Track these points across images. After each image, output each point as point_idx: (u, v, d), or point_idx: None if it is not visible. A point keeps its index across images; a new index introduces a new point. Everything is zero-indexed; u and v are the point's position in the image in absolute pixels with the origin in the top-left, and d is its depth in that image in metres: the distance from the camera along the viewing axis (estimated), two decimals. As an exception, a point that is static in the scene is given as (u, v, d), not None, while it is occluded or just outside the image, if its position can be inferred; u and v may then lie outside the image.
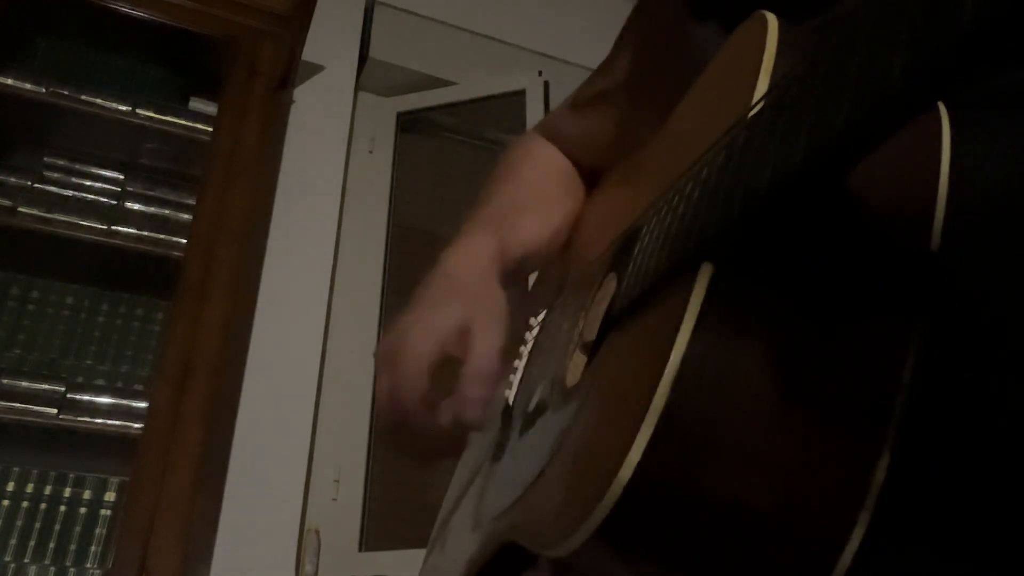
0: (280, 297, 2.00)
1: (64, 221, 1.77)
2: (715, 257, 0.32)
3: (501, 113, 2.46)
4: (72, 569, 1.58)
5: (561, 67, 2.51)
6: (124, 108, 1.87)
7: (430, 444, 0.55)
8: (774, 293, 0.33)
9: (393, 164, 2.44)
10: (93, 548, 1.61)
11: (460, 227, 0.66)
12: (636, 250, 0.43)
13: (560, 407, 0.48)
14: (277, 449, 1.88)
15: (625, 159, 0.65)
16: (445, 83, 2.50)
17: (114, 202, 1.89)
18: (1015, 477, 0.36)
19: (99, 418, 1.65)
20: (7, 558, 1.55)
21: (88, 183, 1.89)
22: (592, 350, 0.47)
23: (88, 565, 1.60)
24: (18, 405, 1.60)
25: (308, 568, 1.89)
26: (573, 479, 0.38)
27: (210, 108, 1.95)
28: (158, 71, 2.05)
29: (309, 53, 2.14)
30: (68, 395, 1.64)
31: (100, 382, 1.74)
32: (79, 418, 1.63)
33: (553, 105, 2.34)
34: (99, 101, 1.85)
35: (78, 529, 1.61)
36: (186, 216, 1.86)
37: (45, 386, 1.64)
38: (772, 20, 0.40)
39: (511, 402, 0.62)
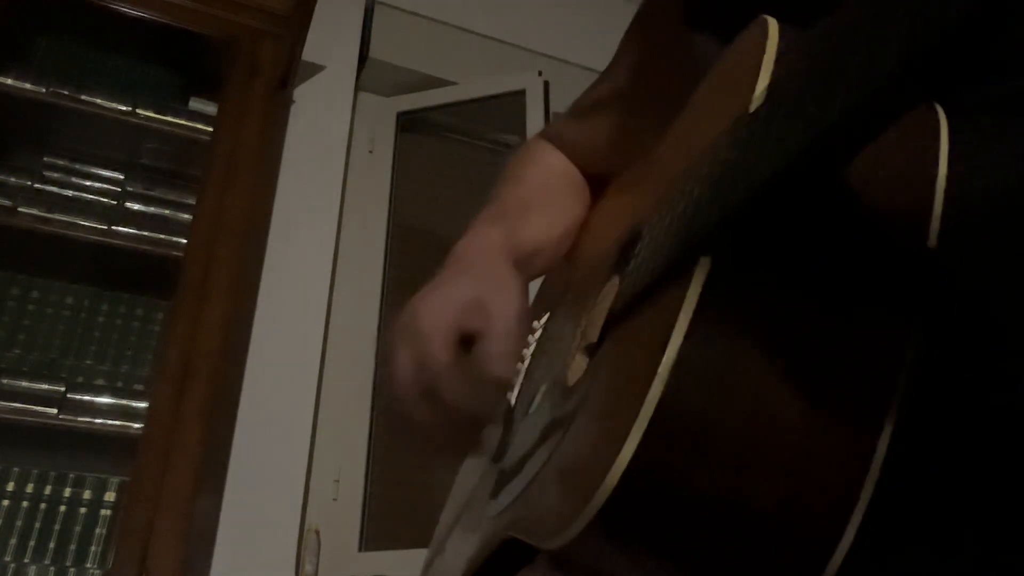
0: (280, 297, 2.00)
1: (64, 221, 1.76)
2: (714, 252, 0.33)
3: (501, 113, 2.46)
4: (72, 569, 1.58)
5: (561, 67, 2.51)
6: (124, 108, 1.87)
7: (457, 420, 0.53)
8: (772, 289, 0.33)
9: (393, 164, 2.44)
10: (93, 548, 1.61)
11: (463, 227, 0.66)
12: (638, 250, 0.43)
13: (560, 406, 0.48)
14: (277, 449, 1.88)
15: (628, 166, 0.65)
16: (445, 83, 2.50)
17: (114, 202, 1.89)
18: (1014, 477, 0.36)
19: (99, 418, 1.65)
20: (7, 558, 1.55)
21: (88, 183, 1.89)
22: (593, 351, 0.47)
23: (88, 565, 1.60)
24: (18, 405, 1.60)
25: (308, 568, 1.89)
26: (571, 473, 0.38)
27: (210, 108, 1.95)
28: (158, 71, 2.05)
29: (309, 53, 2.14)
30: (68, 395, 1.65)
31: (100, 382, 1.74)
32: (79, 418, 1.64)
33: (553, 105, 2.34)
34: (99, 101, 1.85)
35: (78, 529, 1.61)
36: (186, 216, 1.86)
37: (45, 386, 1.64)
38: (773, 24, 0.40)
39: (513, 404, 0.62)
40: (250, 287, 1.94)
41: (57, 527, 1.60)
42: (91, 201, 1.87)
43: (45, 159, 1.87)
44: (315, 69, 2.25)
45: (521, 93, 2.39)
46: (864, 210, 0.34)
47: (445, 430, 0.54)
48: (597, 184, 0.74)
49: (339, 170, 2.26)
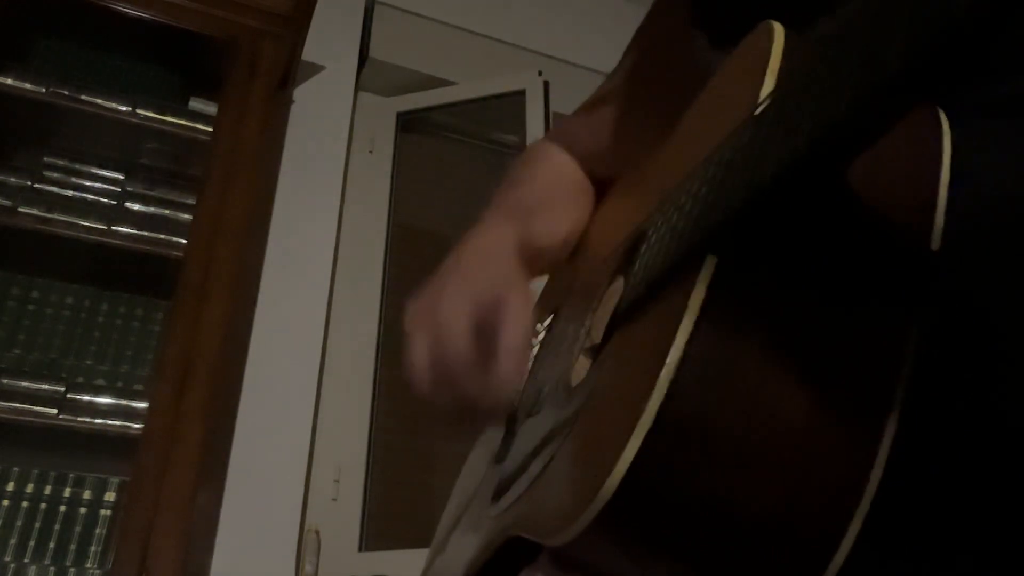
0: (280, 297, 2.00)
1: (64, 221, 1.76)
2: (719, 253, 0.33)
3: (501, 113, 2.46)
4: (72, 569, 1.58)
5: (561, 67, 2.52)
6: (124, 108, 1.87)
7: (471, 408, 0.54)
8: (776, 290, 0.33)
9: (393, 164, 2.44)
10: (93, 548, 1.61)
11: (463, 227, 0.66)
12: (642, 251, 0.44)
13: (564, 407, 0.48)
14: (277, 449, 1.88)
15: (632, 168, 0.65)
16: (445, 83, 2.50)
17: (114, 202, 1.88)
18: (1014, 478, 0.36)
19: (99, 418, 1.65)
20: (7, 558, 1.55)
21: (88, 183, 1.89)
22: (597, 352, 0.47)
23: (88, 565, 1.59)
24: (18, 405, 1.60)
25: (308, 568, 1.89)
26: (575, 471, 0.38)
27: (210, 108, 1.96)
28: (158, 71, 2.04)
29: (309, 53, 2.14)
30: (68, 395, 1.64)
31: (100, 382, 1.74)
32: (79, 418, 1.63)
33: (553, 105, 2.34)
34: (99, 101, 1.85)
35: (78, 529, 1.61)
36: (186, 216, 1.86)
37: (45, 386, 1.64)
38: (779, 29, 0.40)
39: (516, 404, 0.62)
40: (250, 287, 1.94)
41: (57, 527, 1.60)
42: (91, 201, 1.87)
43: (45, 159, 1.87)
44: (315, 69, 2.26)
45: (521, 93, 2.39)
46: (867, 211, 0.34)
47: (460, 416, 0.55)
48: (601, 186, 0.74)
49: (339, 170, 2.26)
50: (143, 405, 1.65)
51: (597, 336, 0.48)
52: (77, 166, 1.89)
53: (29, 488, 1.60)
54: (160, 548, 1.49)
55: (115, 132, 1.91)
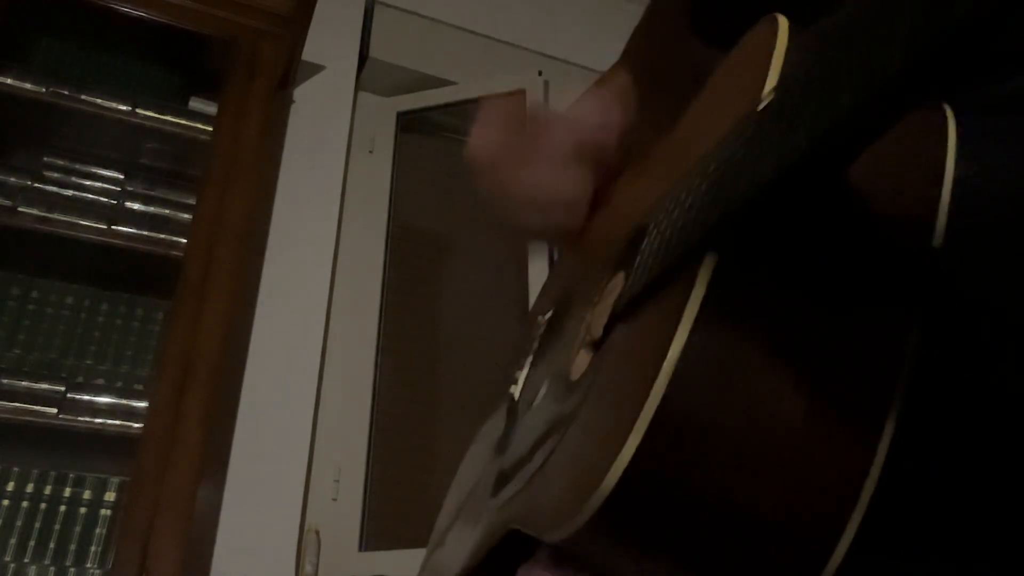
0: (280, 297, 2.00)
1: (64, 221, 1.76)
2: (719, 250, 0.33)
3: (501, 113, 2.46)
4: (72, 569, 1.58)
5: (561, 67, 2.52)
6: (124, 108, 1.87)
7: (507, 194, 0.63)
8: (777, 288, 0.33)
9: (393, 164, 2.44)
10: (93, 548, 1.61)
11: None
12: (643, 246, 0.43)
13: (564, 401, 0.48)
14: (277, 449, 1.88)
15: (634, 163, 0.65)
16: (445, 83, 2.51)
17: (114, 202, 1.88)
18: (1014, 479, 0.36)
19: (99, 418, 1.65)
20: (7, 558, 1.55)
21: (88, 183, 1.88)
22: (597, 347, 0.47)
23: (88, 565, 1.59)
24: (18, 405, 1.60)
25: (308, 568, 1.89)
26: (574, 467, 0.38)
27: (210, 108, 1.95)
28: (158, 71, 2.04)
29: (309, 53, 2.14)
30: (68, 395, 1.64)
31: (100, 382, 1.74)
32: (79, 418, 1.63)
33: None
34: (99, 101, 1.85)
35: (78, 529, 1.61)
36: (186, 216, 1.86)
37: (45, 386, 1.64)
38: (784, 22, 0.40)
39: (516, 398, 0.62)
40: (250, 287, 1.94)
41: (57, 527, 1.60)
42: (91, 201, 1.87)
43: (45, 159, 1.87)
44: (315, 69, 2.26)
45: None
46: (869, 209, 0.34)
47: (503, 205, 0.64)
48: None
49: (339, 170, 2.26)
50: (143, 405, 1.65)
51: (597, 331, 0.47)
52: (77, 166, 1.89)
53: (29, 488, 1.60)
54: (160, 548, 1.49)
55: (115, 132, 1.91)
